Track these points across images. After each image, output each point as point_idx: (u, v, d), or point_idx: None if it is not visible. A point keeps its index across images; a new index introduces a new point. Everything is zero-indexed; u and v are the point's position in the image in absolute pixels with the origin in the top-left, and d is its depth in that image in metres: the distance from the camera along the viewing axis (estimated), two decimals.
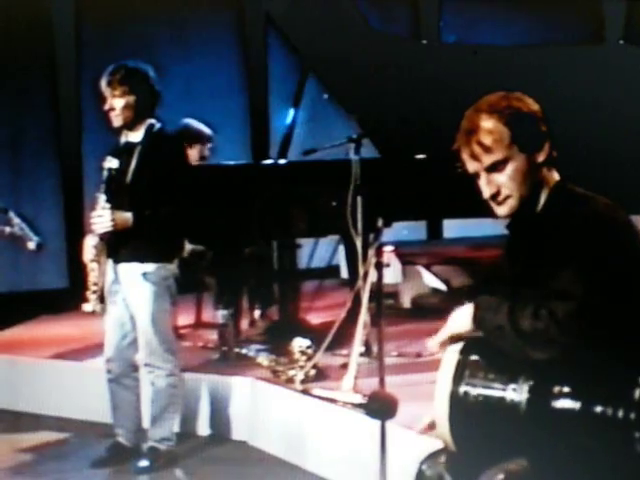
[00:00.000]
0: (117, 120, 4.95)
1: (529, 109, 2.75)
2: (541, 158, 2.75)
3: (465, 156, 2.76)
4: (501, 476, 2.64)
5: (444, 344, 2.80)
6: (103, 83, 4.93)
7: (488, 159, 2.72)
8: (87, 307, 4.93)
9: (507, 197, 2.74)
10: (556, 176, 2.79)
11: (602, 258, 2.59)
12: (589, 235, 2.62)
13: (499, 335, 2.65)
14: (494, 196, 2.74)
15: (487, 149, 2.71)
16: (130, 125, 4.96)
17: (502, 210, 2.76)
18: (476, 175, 2.76)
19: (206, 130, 6.91)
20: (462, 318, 2.77)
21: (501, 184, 2.73)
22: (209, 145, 6.90)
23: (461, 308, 2.82)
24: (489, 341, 2.70)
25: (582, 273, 2.57)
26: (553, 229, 2.70)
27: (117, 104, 4.91)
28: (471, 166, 2.76)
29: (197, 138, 6.79)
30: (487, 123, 2.71)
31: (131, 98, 4.91)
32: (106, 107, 4.93)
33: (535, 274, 2.71)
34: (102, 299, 4.94)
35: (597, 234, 2.62)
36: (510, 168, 2.72)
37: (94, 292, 4.91)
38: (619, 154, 6.50)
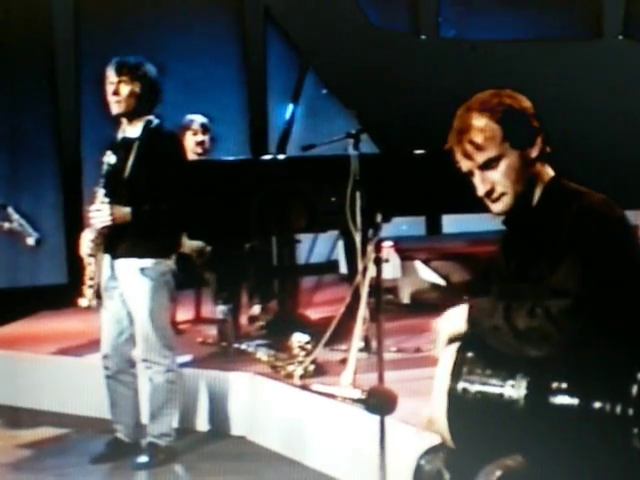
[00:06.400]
0: (119, 106, 4.93)
1: (520, 106, 2.75)
2: (534, 154, 2.75)
3: (458, 155, 2.76)
4: (499, 472, 2.64)
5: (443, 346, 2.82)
6: (111, 68, 4.93)
7: (481, 157, 2.72)
8: (83, 302, 4.91)
9: (502, 194, 2.74)
10: (550, 171, 2.80)
11: (597, 253, 2.59)
12: (584, 230, 2.62)
13: (495, 335, 2.66)
14: (489, 193, 2.75)
15: (479, 147, 2.71)
16: (130, 115, 4.95)
17: (497, 207, 2.77)
18: (470, 173, 2.77)
19: (199, 119, 6.92)
20: (456, 320, 2.78)
21: (495, 181, 2.73)
22: (207, 134, 6.91)
23: (453, 310, 2.83)
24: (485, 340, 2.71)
25: (577, 269, 2.58)
26: (548, 224, 2.70)
27: (123, 90, 4.90)
28: (464, 165, 2.77)
29: (184, 127, 6.82)
30: (478, 122, 2.71)
31: (137, 87, 4.91)
32: (110, 91, 4.92)
33: (531, 269, 2.72)
34: (98, 294, 4.94)
35: (592, 229, 2.62)
36: (503, 165, 2.72)
37: (90, 287, 4.90)
38: (617, 148, 6.50)
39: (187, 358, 5.78)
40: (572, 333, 2.56)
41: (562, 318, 2.56)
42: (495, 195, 2.74)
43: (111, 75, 4.94)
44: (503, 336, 2.64)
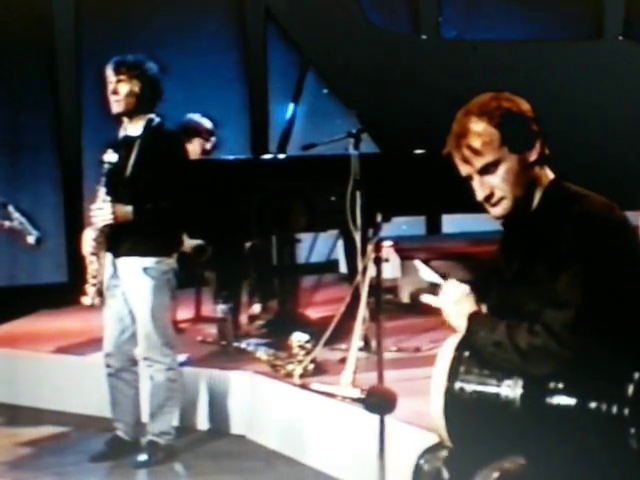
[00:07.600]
0: (118, 106, 4.94)
1: (519, 109, 2.73)
2: (533, 157, 2.73)
3: (457, 160, 2.75)
4: (496, 474, 2.65)
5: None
6: (110, 67, 4.93)
7: (479, 162, 2.71)
8: (85, 300, 4.93)
9: (501, 198, 2.73)
10: (550, 174, 2.78)
11: (598, 262, 2.57)
12: (585, 237, 2.60)
13: (496, 351, 2.66)
14: (488, 198, 2.73)
15: (477, 152, 2.70)
16: (130, 114, 4.95)
17: (496, 211, 2.75)
18: (469, 178, 2.76)
19: (207, 124, 6.93)
20: (460, 316, 2.78)
21: (494, 186, 2.71)
22: (212, 139, 6.93)
23: (461, 301, 2.83)
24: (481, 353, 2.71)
25: (578, 277, 2.57)
26: (548, 228, 2.69)
27: (122, 89, 4.90)
28: (463, 169, 2.75)
29: (196, 132, 6.82)
30: (476, 126, 2.70)
31: (136, 86, 4.91)
32: (109, 90, 4.93)
33: (532, 272, 2.71)
34: (101, 292, 4.94)
35: (593, 235, 2.60)
36: (502, 169, 2.70)
37: (93, 285, 4.91)
38: (618, 149, 6.50)
39: (183, 357, 5.76)
40: (575, 347, 2.56)
41: (564, 333, 2.55)
42: (494, 200, 2.73)
43: (110, 74, 4.94)
44: (505, 353, 2.63)
